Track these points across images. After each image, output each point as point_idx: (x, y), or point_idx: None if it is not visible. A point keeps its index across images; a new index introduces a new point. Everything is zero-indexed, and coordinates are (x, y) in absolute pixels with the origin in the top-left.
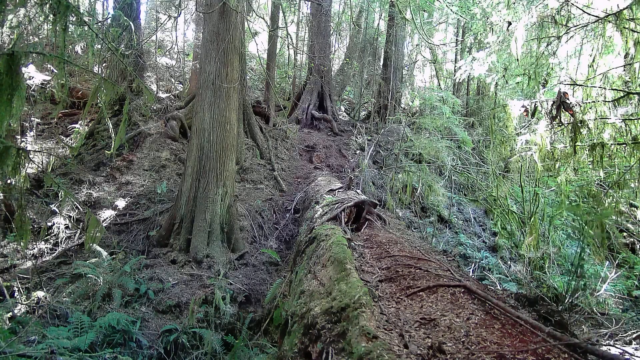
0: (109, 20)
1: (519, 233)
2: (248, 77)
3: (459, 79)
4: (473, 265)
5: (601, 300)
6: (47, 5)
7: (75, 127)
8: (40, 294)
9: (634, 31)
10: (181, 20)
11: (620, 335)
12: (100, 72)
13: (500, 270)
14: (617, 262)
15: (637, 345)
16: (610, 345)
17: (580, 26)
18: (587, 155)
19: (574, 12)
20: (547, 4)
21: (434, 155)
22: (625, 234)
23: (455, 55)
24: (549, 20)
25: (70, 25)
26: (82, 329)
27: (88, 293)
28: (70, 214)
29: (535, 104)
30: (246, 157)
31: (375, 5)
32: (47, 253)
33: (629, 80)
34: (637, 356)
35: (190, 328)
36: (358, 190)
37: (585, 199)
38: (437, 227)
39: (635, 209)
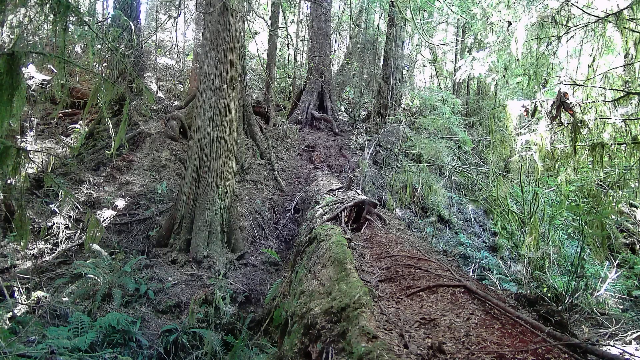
0: (109, 20)
1: (519, 233)
2: (248, 77)
3: (459, 79)
4: (473, 265)
5: (601, 300)
6: (47, 5)
7: (75, 127)
8: (40, 294)
9: (634, 31)
10: (181, 20)
11: (620, 335)
12: (100, 72)
13: (500, 270)
14: (617, 262)
15: (637, 345)
16: (610, 345)
17: (580, 26)
18: (587, 155)
19: (574, 12)
20: (547, 4)
21: (434, 155)
22: (625, 234)
23: (455, 55)
24: (549, 20)
25: (71, 25)
26: (82, 329)
27: (88, 293)
28: (70, 214)
29: (535, 104)
30: (246, 157)
31: (375, 5)
32: (47, 253)
33: (629, 80)
34: (637, 356)
35: (190, 328)
36: (358, 190)
37: (585, 199)
38: (437, 227)
39: (635, 209)
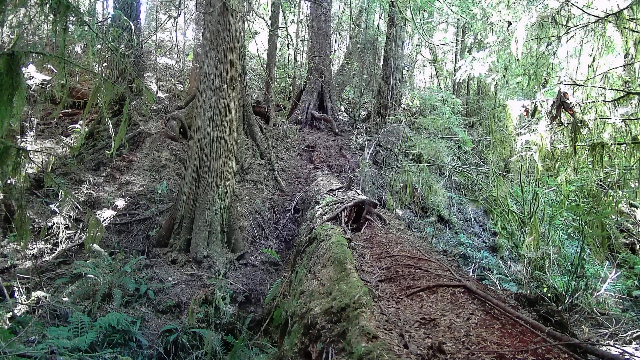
0: (109, 20)
1: (519, 233)
2: (248, 77)
3: (459, 79)
4: (473, 265)
5: (601, 300)
6: (47, 5)
7: (75, 127)
8: (40, 294)
9: (634, 31)
10: (181, 20)
11: (620, 335)
12: (100, 72)
13: (500, 270)
14: (617, 262)
15: (637, 345)
16: (610, 345)
17: (580, 26)
18: (587, 155)
19: (574, 12)
20: (547, 4)
21: (434, 155)
22: (625, 234)
23: (455, 55)
24: (549, 20)
25: (71, 25)
26: (82, 329)
27: (88, 293)
28: (70, 214)
29: (535, 104)
30: (246, 157)
31: (375, 5)
32: (47, 253)
33: (629, 80)
34: (637, 356)
35: (190, 328)
36: (358, 190)
37: (585, 199)
38: (437, 227)
39: (635, 209)
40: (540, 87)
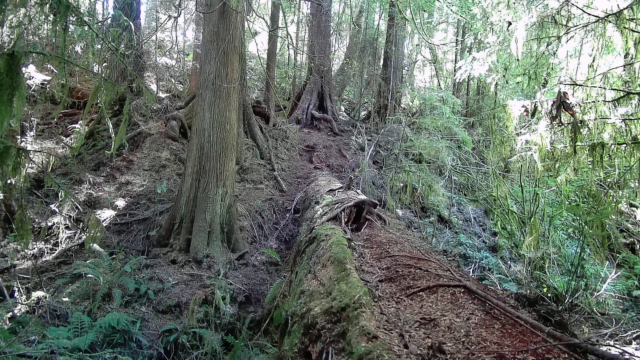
0: (109, 20)
1: (519, 233)
2: (248, 77)
3: (459, 79)
4: (473, 265)
5: (601, 300)
6: (47, 5)
7: (75, 127)
8: (40, 294)
9: (634, 31)
10: (181, 20)
11: (620, 335)
12: (100, 72)
13: (500, 270)
14: (617, 262)
15: (637, 345)
16: (610, 345)
17: (580, 26)
18: (587, 155)
19: (574, 12)
20: (547, 4)
21: (434, 155)
22: (625, 234)
23: (455, 55)
24: (549, 20)
25: (71, 25)
26: (82, 329)
27: (88, 293)
28: (70, 214)
29: (535, 104)
30: (246, 157)
31: (375, 5)
32: (47, 253)
33: (629, 80)
34: (637, 356)
35: (190, 328)
36: (358, 190)
37: (585, 199)
38: (437, 227)
39: (635, 209)
40: (540, 87)
